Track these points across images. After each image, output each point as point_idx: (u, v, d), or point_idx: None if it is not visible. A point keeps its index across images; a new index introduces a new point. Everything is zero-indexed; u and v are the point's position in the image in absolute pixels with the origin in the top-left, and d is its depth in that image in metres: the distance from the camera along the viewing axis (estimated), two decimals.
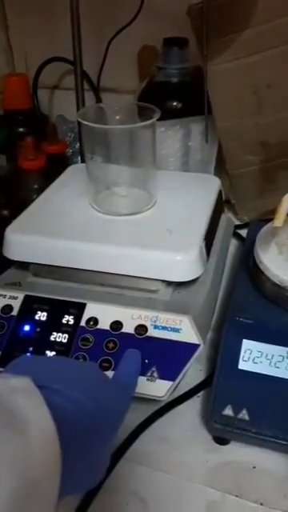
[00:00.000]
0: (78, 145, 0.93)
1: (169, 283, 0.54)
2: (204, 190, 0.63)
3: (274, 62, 0.64)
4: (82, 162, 0.86)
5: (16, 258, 0.55)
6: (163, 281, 0.53)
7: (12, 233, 0.55)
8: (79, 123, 0.56)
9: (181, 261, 0.51)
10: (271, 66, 0.64)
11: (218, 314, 0.59)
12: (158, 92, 0.75)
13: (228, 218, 0.72)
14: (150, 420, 0.48)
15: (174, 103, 0.73)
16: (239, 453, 0.46)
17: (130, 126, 0.53)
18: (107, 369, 0.46)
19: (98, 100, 0.89)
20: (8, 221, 0.71)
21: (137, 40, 0.83)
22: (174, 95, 0.73)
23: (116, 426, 0.36)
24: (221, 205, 0.64)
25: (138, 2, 0.76)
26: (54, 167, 0.78)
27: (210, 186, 0.65)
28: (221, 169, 0.79)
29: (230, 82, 0.65)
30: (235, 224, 0.75)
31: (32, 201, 0.74)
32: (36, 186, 0.75)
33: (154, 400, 0.46)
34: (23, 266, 0.57)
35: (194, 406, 0.51)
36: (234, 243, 0.73)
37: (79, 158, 0.95)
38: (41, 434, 0.27)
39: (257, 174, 0.75)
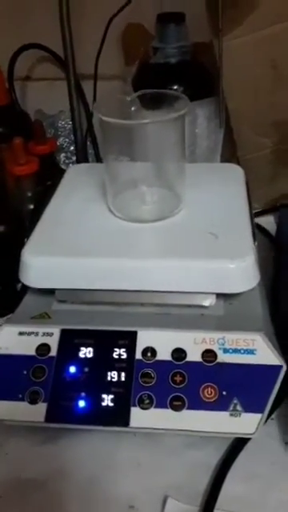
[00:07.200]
0: (60, 141, 0.84)
1: (218, 294, 0.47)
2: (230, 182, 0.57)
3: None
4: (80, 162, 0.77)
5: (41, 286, 0.47)
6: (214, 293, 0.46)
7: (31, 256, 0.46)
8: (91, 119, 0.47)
9: (237, 268, 0.44)
10: None
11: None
12: (156, 75, 0.67)
13: None
14: (232, 457, 0.42)
15: (176, 86, 0.66)
16: None
17: (163, 118, 0.45)
18: (180, 408, 0.40)
19: (80, 90, 0.79)
20: (6, 237, 0.63)
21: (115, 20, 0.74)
22: (176, 77, 0.66)
23: None
24: (250, 197, 0.58)
25: None
26: (45, 170, 0.69)
27: (235, 178, 0.58)
28: (225, 156, 0.73)
29: (247, 57, 0.58)
30: None
31: (28, 212, 0.65)
32: (30, 194, 0.66)
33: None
34: (43, 291, 0.49)
35: (270, 431, 0.44)
36: None
37: (62, 156, 0.86)
38: None
39: (270, 157, 0.69)
